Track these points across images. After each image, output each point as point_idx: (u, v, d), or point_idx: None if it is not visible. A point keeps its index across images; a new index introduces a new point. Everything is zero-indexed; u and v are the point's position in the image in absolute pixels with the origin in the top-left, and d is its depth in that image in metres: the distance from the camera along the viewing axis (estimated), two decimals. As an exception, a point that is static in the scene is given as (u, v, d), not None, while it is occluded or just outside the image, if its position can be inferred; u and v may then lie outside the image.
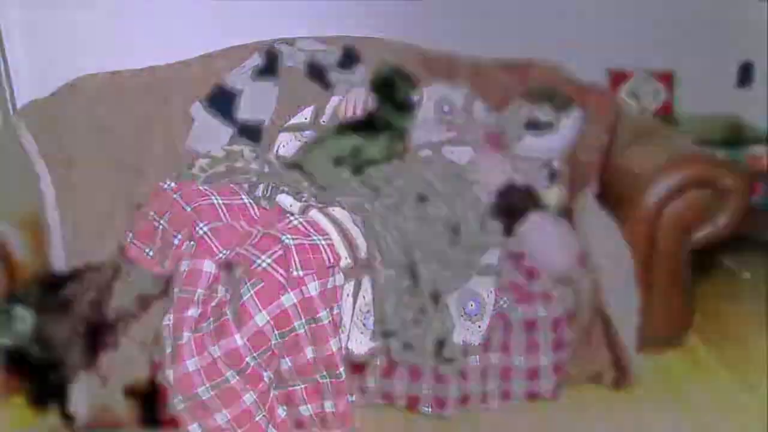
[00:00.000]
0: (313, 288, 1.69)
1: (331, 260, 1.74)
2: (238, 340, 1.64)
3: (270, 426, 1.75)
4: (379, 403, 1.98)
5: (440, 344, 1.86)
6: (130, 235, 1.85)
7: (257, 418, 1.70)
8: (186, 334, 1.66)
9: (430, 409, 1.94)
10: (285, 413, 1.79)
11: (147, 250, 1.82)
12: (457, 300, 1.89)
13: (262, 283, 1.66)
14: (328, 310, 1.71)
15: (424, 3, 2.69)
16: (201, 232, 1.76)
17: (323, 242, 1.76)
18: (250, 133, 2.41)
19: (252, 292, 1.66)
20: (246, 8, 2.59)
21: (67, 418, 1.85)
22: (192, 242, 1.77)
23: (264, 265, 1.67)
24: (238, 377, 1.66)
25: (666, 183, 2.02)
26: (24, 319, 1.71)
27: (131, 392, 1.88)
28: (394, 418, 1.99)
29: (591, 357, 2.07)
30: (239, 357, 1.64)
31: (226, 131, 2.41)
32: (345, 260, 1.79)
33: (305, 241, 1.73)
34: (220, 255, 1.73)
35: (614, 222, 2.11)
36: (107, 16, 2.52)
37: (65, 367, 1.71)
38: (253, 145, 2.37)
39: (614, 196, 2.15)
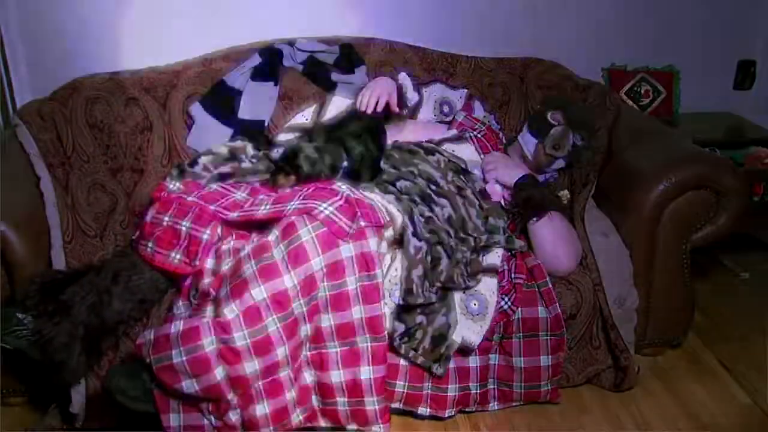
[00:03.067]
0: (373, 243, 1.68)
1: (386, 220, 1.74)
2: (288, 281, 1.61)
3: (293, 387, 1.72)
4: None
5: (438, 340, 1.86)
6: (150, 244, 1.81)
7: (282, 374, 1.68)
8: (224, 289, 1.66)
9: (429, 410, 1.94)
10: (312, 378, 1.76)
11: (173, 255, 1.79)
12: (461, 299, 1.90)
13: (325, 228, 1.64)
14: (382, 269, 1.70)
15: (424, 3, 2.69)
16: (232, 218, 1.77)
17: (377, 203, 1.77)
18: (250, 133, 2.41)
19: (314, 234, 1.63)
20: (246, 8, 2.59)
21: (67, 418, 1.85)
22: (220, 239, 1.78)
23: (327, 212, 1.65)
24: (279, 324, 1.62)
25: (666, 183, 2.02)
26: (23, 322, 1.70)
27: None
28: (394, 418, 1.99)
29: (591, 357, 2.07)
30: (287, 299, 1.61)
31: (225, 131, 2.41)
32: (389, 230, 1.79)
33: (363, 197, 1.73)
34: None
35: (614, 222, 2.11)
36: (107, 16, 2.52)
37: (65, 370, 1.71)
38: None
39: (614, 196, 2.15)
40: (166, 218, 1.83)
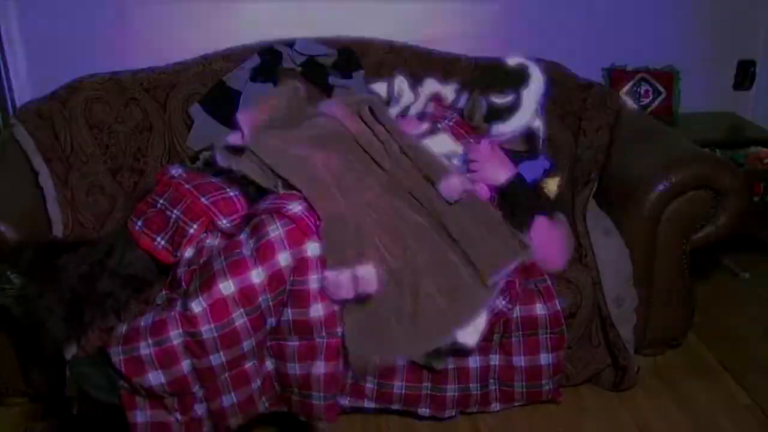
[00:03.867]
0: None
1: None
2: (255, 276, 1.62)
3: (258, 377, 1.74)
4: (378, 404, 1.98)
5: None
6: (139, 222, 1.83)
7: (247, 365, 1.70)
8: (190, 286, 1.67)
9: (428, 411, 1.94)
10: (273, 365, 1.78)
11: (158, 239, 1.81)
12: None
13: (293, 224, 1.66)
14: None
15: (425, 3, 2.69)
16: (224, 226, 1.78)
17: None
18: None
19: (282, 230, 1.65)
20: (245, 9, 2.59)
21: (66, 401, 1.84)
22: (206, 233, 1.78)
23: (295, 210, 1.67)
24: (246, 318, 1.64)
25: (666, 183, 2.02)
26: (13, 281, 1.70)
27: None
28: (393, 419, 1.99)
29: (590, 356, 2.07)
30: (254, 294, 1.63)
31: (225, 132, 2.40)
32: None
33: None
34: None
35: (614, 222, 2.11)
36: (107, 16, 2.52)
37: (44, 332, 1.70)
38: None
39: (614, 196, 2.15)
40: (161, 201, 1.85)
